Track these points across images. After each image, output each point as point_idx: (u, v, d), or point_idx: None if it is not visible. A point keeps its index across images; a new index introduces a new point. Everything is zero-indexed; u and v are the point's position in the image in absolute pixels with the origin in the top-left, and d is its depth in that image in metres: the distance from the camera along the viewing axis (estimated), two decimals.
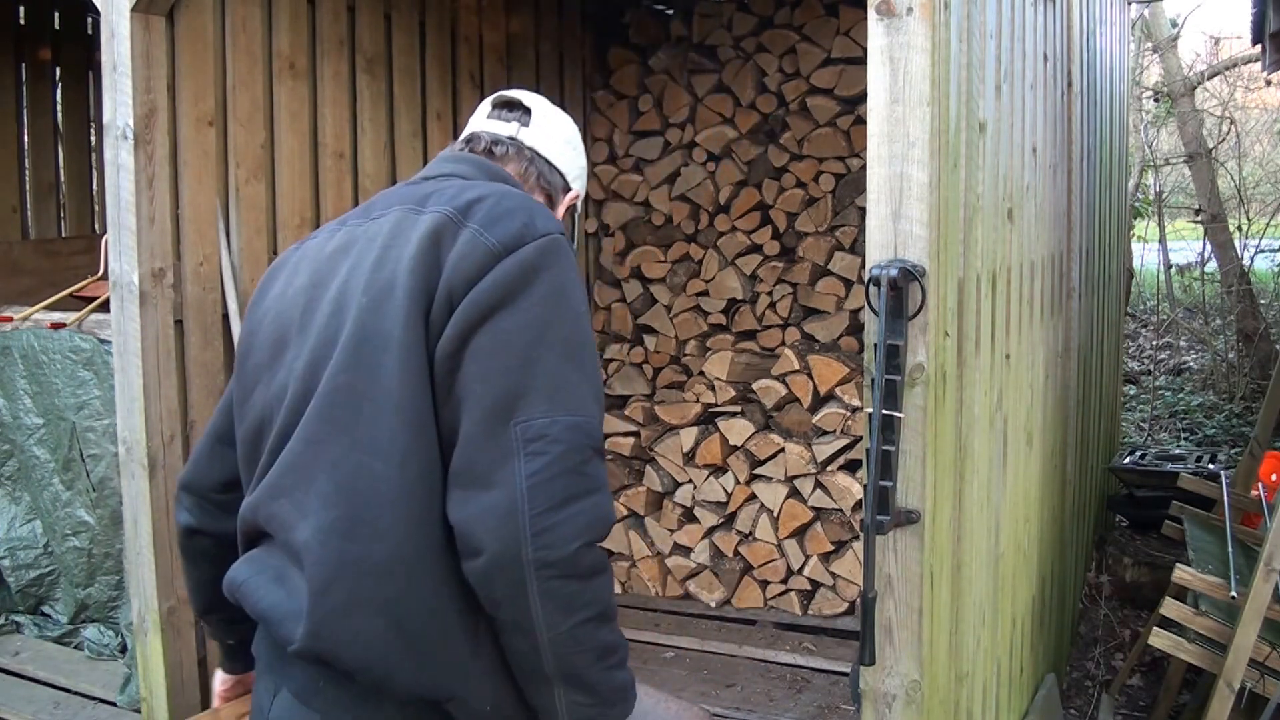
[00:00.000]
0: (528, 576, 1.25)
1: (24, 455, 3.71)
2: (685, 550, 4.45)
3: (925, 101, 1.90)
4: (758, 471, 4.30)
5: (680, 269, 4.78)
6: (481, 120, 1.67)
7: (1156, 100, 10.07)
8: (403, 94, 3.92)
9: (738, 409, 4.44)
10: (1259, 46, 5.29)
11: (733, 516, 4.36)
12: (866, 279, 1.95)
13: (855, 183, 4.43)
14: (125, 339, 2.97)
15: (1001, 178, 2.55)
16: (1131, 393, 8.36)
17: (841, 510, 4.13)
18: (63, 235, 5.10)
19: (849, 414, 4.17)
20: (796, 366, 4.31)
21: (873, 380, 1.92)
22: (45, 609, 3.89)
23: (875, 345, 1.93)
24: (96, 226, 5.18)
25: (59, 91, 5.18)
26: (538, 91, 1.75)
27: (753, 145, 4.69)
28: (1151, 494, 4.93)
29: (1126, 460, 5.35)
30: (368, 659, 1.32)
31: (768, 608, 4.28)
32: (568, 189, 1.67)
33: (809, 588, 4.21)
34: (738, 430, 4.35)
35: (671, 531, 4.47)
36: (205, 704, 2.95)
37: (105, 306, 3.24)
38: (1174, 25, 9.84)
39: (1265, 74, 5.74)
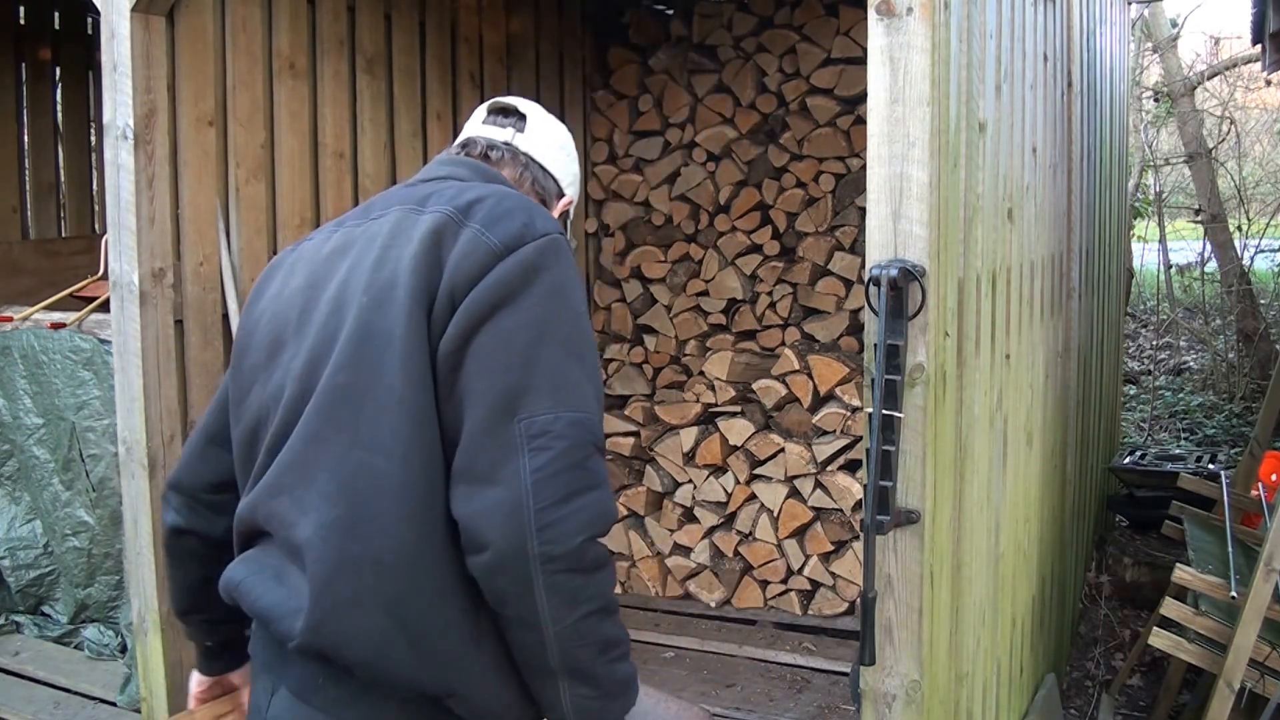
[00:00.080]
0: (533, 571, 1.26)
1: (24, 455, 3.71)
2: (685, 550, 4.45)
3: (925, 101, 1.90)
4: (758, 471, 4.30)
5: (680, 269, 4.78)
6: (477, 125, 1.68)
7: (1156, 100, 10.07)
8: (403, 94, 3.92)
9: (738, 409, 4.44)
10: (1259, 46, 5.29)
11: (733, 516, 4.36)
12: (866, 279, 1.95)
13: (855, 183, 4.43)
14: (125, 339, 2.97)
15: (1001, 178, 2.55)
16: (1131, 393, 8.36)
17: (841, 510, 4.13)
18: (63, 235, 5.10)
19: (849, 414, 4.17)
20: (796, 366, 4.31)
21: (873, 380, 1.92)
22: (45, 609, 3.89)
23: (875, 345, 1.93)
24: (96, 226, 5.18)
25: (59, 91, 5.18)
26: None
27: (753, 145, 4.69)
28: (1151, 494, 4.93)
29: (1126, 460, 5.35)
30: (369, 654, 1.32)
31: (768, 608, 4.28)
32: (561, 195, 1.69)
33: (809, 588, 4.21)
34: (738, 430, 4.35)
35: (671, 531, 4.47)
36: None
37: (105, 306, 3.24)
38: (1174, 25, 9.84)
39: (1265, 74, 5.74)
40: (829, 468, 4.16)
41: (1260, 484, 3.83)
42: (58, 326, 3.60)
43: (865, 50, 1.98)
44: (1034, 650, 3.27)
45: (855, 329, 4.41)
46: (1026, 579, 3.11)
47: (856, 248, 4.42)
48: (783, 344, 4.51)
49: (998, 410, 2.60)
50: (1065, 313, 3.73)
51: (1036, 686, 3.30)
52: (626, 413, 4.63)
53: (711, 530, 4.40)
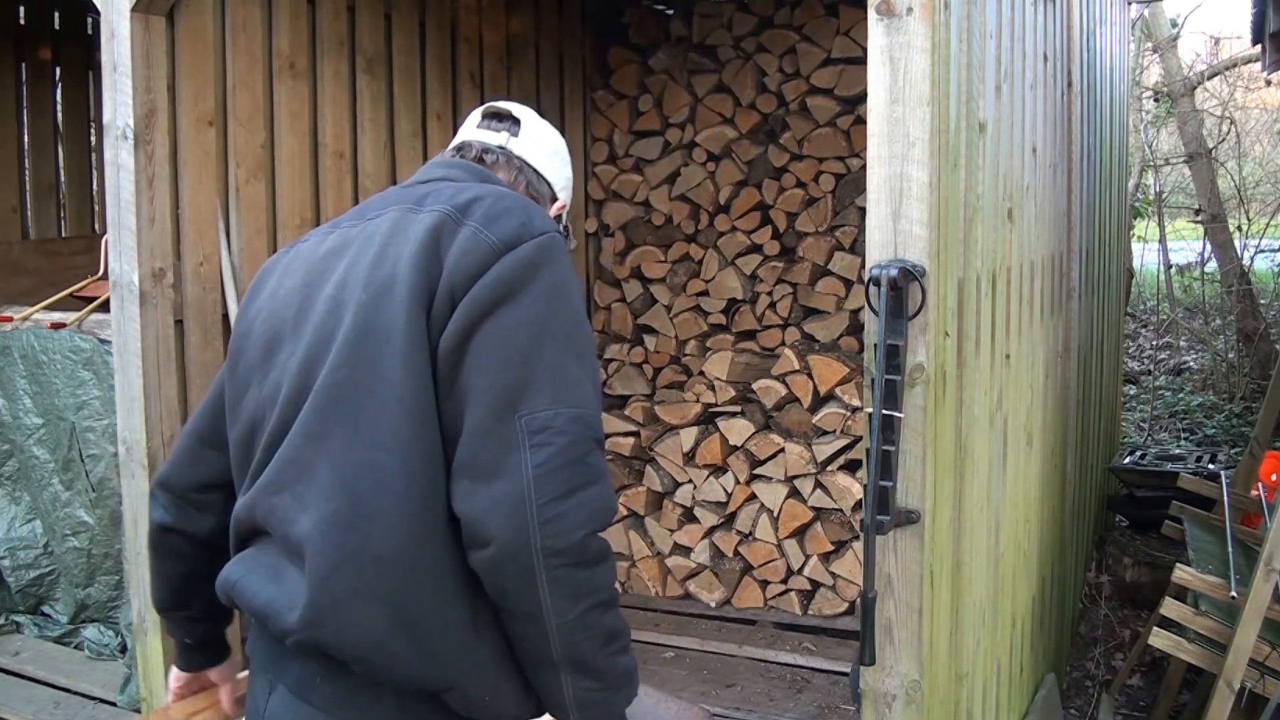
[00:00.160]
0: (536, 565, 1.28)
1: (24, 455, 3.71)
2: (685, 550, 4.45)
3: (925, 101, 1.91)
4: (758, 471, 4.30)
5: (680, 269, 4.78)
6: (471, 130, 1.69)
7: (1156, 100, 10.07)
8: (403, 94, 3.92)
9: (738, 409, 4.44)
10: (1259, 46, 5.29)
11: (733, 516, 4.36)
12: (866, 279, 1.95)
13: (855, 183, 4.43)
14: (125, 339, 2.97)
15: (1001, 178, 2.55)
16: (1131, 393, 8.36)
17: (841, 510, 4.13)
18: (63, 235, 5.10)
19: (849, 414, 4.17)
20: (796, 366, 4.31)
21: (873, 380, 1.92)
22: (45, 609, 3.89)
23: (875, 345, 1.93)
24: (96, 226, 5.18)
25: (59, 91, 5.18)
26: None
27: (753, 145, 4.69)
28: (1151, 494, 4.93)
29: (1126, 460, 5.35)
30: (367, 648, 1.33)
31: (768, 608, 4.28)
32: (555, 199, 1.69)
33: (809, 588, 4.21)
34: (738, 430, 4.35)
35: (671, 531, 4.47)
36: None
37: (105, 306, 3.24)
38: (1174, 25, 9.84)
39: (1265, 74, 5.74)
40: (829, 468, 4.16)
41: (1260, 484, 3.83)
42: (58, 326, 3.60)
43: (865, 50, 1.98)
44: (1034, 650, 3.27)
45: (855, 329, 4.41)
46: (1026, 579, 3.11)
47: (856, 248, 4.42)
48: (783, 344, 4.51)
49: (998, 410, 2.60)
50: (1065, 313, 3.73)
51: (1036, 686, 3.30)
52: (626, 413, 4.63)
53: (711, 530, 4.40)
